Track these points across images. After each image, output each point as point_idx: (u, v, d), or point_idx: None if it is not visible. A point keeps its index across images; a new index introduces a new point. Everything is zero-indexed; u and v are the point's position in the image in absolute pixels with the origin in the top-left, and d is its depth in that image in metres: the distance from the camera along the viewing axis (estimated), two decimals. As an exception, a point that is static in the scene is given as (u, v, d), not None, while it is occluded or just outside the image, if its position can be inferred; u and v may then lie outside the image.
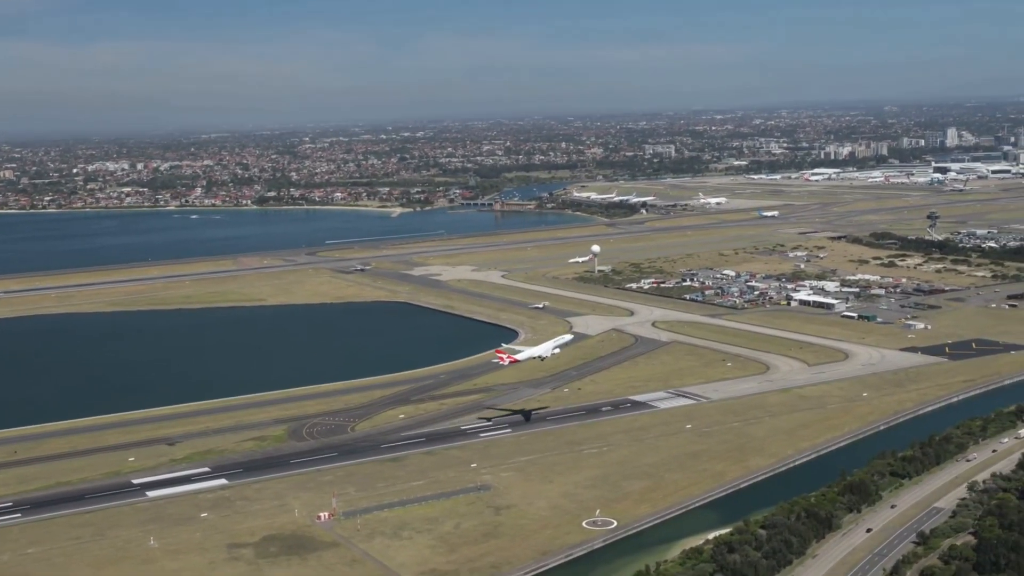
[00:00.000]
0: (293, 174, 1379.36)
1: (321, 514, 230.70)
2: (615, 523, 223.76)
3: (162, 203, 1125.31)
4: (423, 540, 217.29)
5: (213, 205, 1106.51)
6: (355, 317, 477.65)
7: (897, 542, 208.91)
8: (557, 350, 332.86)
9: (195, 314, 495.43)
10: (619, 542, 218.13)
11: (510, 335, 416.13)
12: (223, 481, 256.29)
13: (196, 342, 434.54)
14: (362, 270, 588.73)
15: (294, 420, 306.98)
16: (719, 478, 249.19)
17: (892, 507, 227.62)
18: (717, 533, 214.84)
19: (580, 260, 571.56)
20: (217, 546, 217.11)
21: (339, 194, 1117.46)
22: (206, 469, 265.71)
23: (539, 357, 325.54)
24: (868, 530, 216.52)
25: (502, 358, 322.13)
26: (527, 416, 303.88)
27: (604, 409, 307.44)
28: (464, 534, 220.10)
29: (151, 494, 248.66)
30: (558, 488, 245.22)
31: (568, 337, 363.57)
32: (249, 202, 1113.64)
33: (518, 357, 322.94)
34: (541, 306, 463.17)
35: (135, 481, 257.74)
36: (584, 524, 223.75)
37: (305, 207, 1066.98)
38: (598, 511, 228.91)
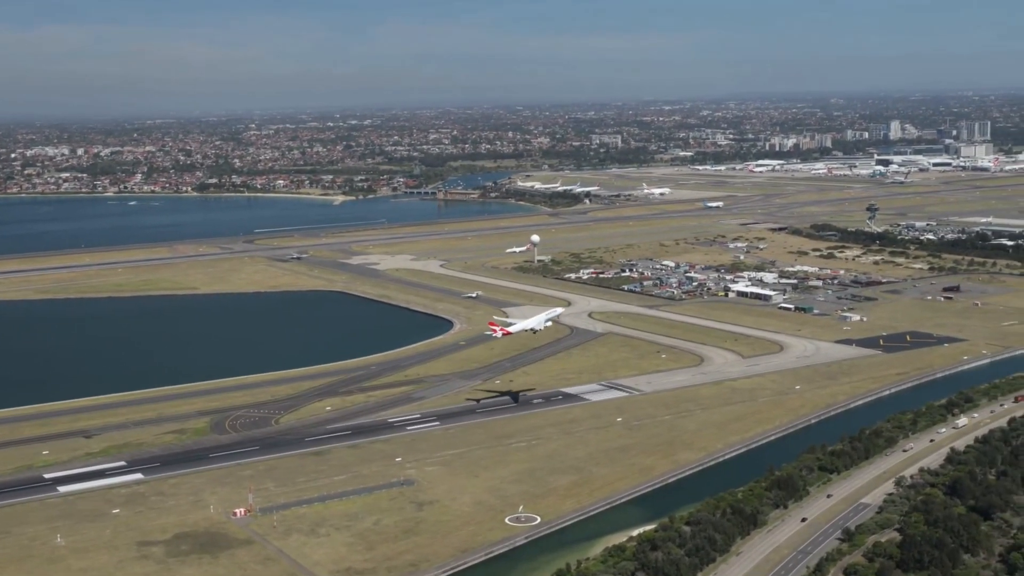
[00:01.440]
0: (236, 161, 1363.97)
1: (237, 510, 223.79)
2: (539, 519, 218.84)
3: (100, 189, 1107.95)
4: (340, 537, 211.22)
5: (152, 192, 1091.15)
6: (289, 306, 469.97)
7: (822, 539, 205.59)
8: (549, 323, 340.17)
9: (125, 302, 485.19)
10: (542, 539, 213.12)
11: (445, 325, 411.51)
12: (139, 476, 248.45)
13: (123, 331, 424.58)
14: (298, 258, 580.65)
15: (218, 412, 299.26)
16: (647, 473, 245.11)
17: (819, 502, 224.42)
18: (642, 530, 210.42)
19: (518, 250, 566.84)
20: (127, 544, 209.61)
21: (281, 181, 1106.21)
22: (122, 463, 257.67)
23: (531, 330, 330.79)
24: (802, 520, 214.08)
25: (495, 330, 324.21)
26: (515, 397, 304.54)
27: (535, 401, 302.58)
28: (383, 531, 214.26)
29: (62, 489, 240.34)
30: (483, 483, 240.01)
31: (560, 310, 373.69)
32: (189, 189, 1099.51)
33: (511, 329, 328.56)
34: (475, 295, 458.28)
35: (47, 476, 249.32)
36: (507, 520, 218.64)
37: (246, 194, 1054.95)
38: (521, 507, 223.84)
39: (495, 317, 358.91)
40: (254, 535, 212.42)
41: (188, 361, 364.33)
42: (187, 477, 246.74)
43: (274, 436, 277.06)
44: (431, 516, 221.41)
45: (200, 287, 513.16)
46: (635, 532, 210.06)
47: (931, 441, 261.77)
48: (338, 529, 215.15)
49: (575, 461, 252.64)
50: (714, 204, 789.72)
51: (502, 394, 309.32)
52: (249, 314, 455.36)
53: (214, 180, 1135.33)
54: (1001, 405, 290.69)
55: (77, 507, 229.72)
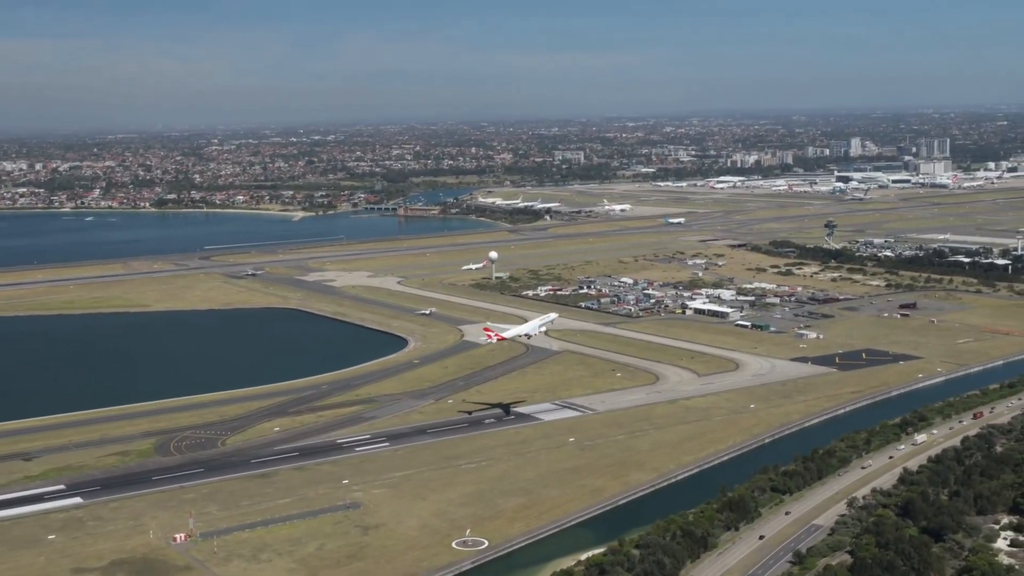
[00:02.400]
0: (197, 176, 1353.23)
1: (177, 535, 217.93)
2: (486, 543, 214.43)
3: (57, 204, 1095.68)
4: (282, 563, 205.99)
5: (110, 207, 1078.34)
6: (242, 324, 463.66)
7: (773, 562, 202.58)
8: (543, 328, 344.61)
9: (75, 320, 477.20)
10: (489, 563, 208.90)
11: (400, 343, 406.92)
12: (78, 500, 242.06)
13: (71, 350, 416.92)
14: (253, 275, 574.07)
15: (163, 433, 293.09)
16: (598, 494, 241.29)
17: (771, 524, 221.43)
18: (591, 553, 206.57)
19: (474, 267, 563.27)
20: (60, 571, 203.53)
21: (241, 197, 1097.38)
22: (61, 487, 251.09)
23: (526, 335, 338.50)
24: (760, 537, 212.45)
25: (490, 336, 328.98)
26: (506, 410, 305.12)
27: (487, 422, 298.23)
28: (327, 556, 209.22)
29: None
30: (431, 506, 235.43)
31: (554, 316, 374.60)
32: (148, 204, 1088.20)
33: (505, 335, 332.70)
34: (428, 312, 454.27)
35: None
36: (454, 544, 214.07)
37: (205, 210, 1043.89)
38: (468, 531, 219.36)
39: (489, 323, 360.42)
40: (194, 561, 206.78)
41: (136, 380, 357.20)
42: (128, 501, 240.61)
43: (220, 458, 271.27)
44: (376, 540, 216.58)
45: (152, 304, 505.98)
46: (584, 556, 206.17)
47: (890, 458, 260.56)
48: (280, 554, 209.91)
49: (525, 483, 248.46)
50: (676, 220, 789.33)
51: (493, 406, 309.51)
52: (201, 332, 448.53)
53: (173, 196, 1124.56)
54: (960, 422, 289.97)
55: (12, 533, 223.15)
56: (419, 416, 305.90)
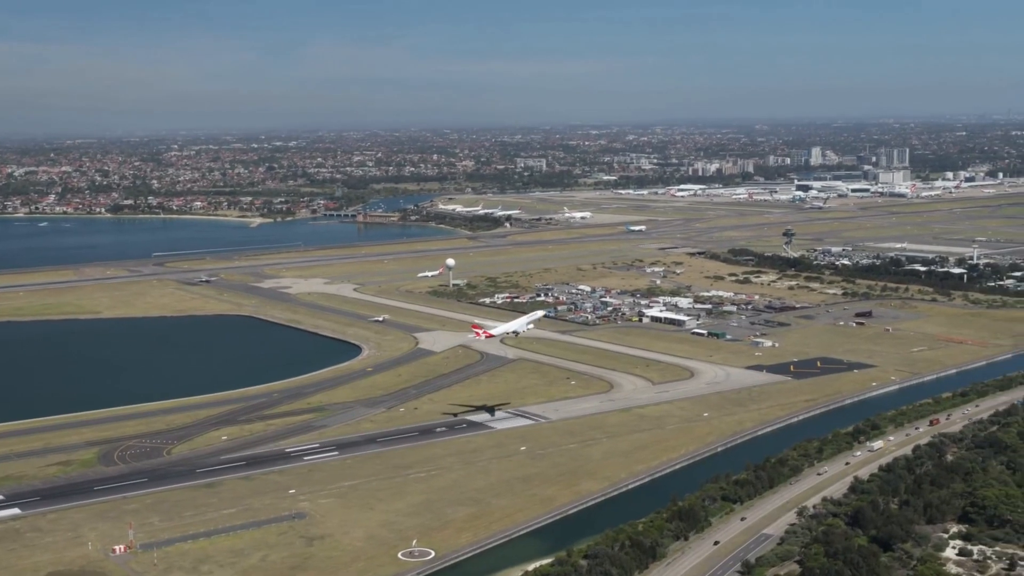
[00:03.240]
0: (155, 182, 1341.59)
1: (117, 547, 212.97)
2: (432, 554, 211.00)
3: (11, 210, 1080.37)
4: (223, 575, 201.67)
5: (65, 212, 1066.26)
6: (194, 331, 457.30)
7: (721, 572, 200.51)
8: (531, 326, 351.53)
9: (23, 327, 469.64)
10: (435, 574, 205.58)
11: (354, 351, 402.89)
12: (16, 511, 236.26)
13: (18, 357, 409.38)
14: (207, 281, 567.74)
15: (108, 442, 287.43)
16: (548, 504, 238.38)
17: (720, 533, 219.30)
18: (538, 564, 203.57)
19: (430, 274, 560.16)
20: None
21: (198, 203, 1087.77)
22: (0, 497, 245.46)
23: (513, 332, 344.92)
24: (715, 543, 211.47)
25: (478, 333, 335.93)
26: (491, 411, 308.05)
27: (438, 430, 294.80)
28: (269, 568, 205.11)
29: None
30: (378, 516, 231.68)
31: (541, 313, 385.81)
32: (103, 210, 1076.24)
33: (493, 332, 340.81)
34: (381, 319, 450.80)
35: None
36: (400, 556, 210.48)
37: (162, 216, 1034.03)
38: (415, 541, 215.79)
39: (476, 320, 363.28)
40: (132, 573, 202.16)
41: (83, 388, 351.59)
42: (68, 512, 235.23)
43: (164, 467, 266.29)
44: (321, 551, 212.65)
45: (104, 311, 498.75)
46: (532, 566, 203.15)
47: (835, 468, 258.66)
48: (222, 566, 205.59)
49: (475, 492, 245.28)
50: (637, 228, 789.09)
51: (478, 408, 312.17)
52: (152, 339, 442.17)
53: (129, 201, 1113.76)
54: (916, 428, 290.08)
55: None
56: (370, 425, 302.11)
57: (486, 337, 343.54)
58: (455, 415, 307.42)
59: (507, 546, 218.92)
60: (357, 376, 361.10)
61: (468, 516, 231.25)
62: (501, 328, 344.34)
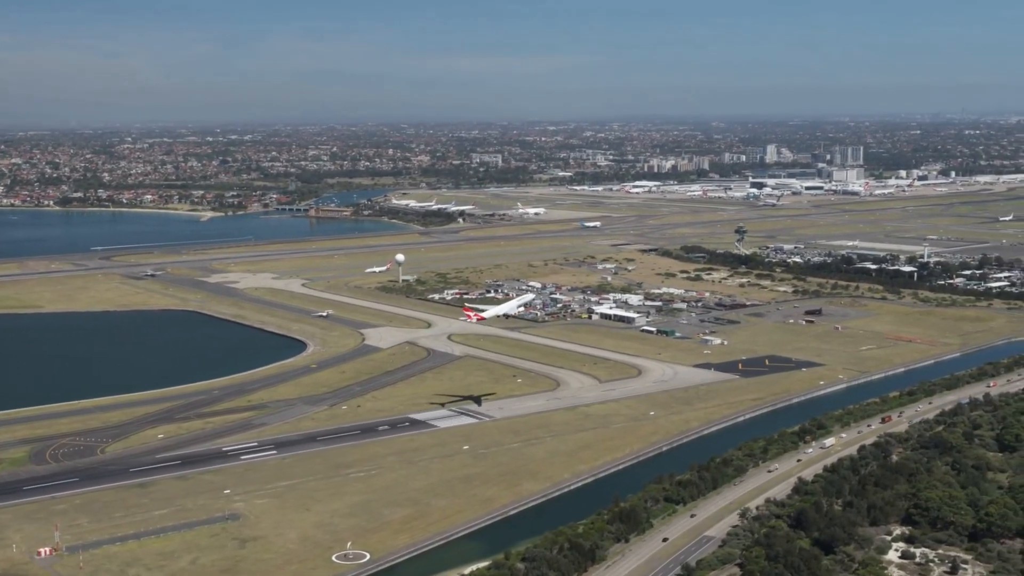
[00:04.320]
0: (106, 175, 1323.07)
1: (42, 549, 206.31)
2: (368, 556, 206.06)
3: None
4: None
5: (12, 205, 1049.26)
6: (137, 326, 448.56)
7: (662, 575, 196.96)
8: (521, 308, 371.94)
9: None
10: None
11: (299, 347, 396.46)
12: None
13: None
14: (152, 275, 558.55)
15: (41, 440, 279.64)
16: (488, 505, 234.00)
17: (662, 535, 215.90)
18: (475, 567, 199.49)
19: (378, 269, 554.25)
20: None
21: (149, 196, 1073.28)
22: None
23: (504, 315, 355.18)
24: (664, 540, 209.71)
25: (469, 316, 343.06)
26: (478, 401, 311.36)
27: (380, 428, 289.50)
28: (199, 571, 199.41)
29: None
30: (314, 517, 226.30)
31: (531, 296, 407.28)
32: (52, 203, 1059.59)
33: (484, 315, 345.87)
34: (325, 314, 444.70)
35: None
36: (334, 558, 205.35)
37: (111, 209, 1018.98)
38: (349, 543, 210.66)
39: (467, 303, 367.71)
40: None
41: (17, 385, 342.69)
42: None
43: (97, 467, 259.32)
44: (253, 554, 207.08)
45: (45, 305, 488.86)
46: (468, 570, 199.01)
47: (779, 468, 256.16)
48: (150, 569, 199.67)
49: (414, 493, 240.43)
50: (592, 224, 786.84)
51: (464, 397, 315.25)
52: (94, 334, 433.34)
53: (79, 194, 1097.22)
54: (868, 426, 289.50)
55: None
56: (311, 423, 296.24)
57: (478, 320, 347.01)
58: (443, 404, 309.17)
59: (444, 548, 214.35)
60: (301, 373, 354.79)
61: (406, 517, 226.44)
62: (493, 310, 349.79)
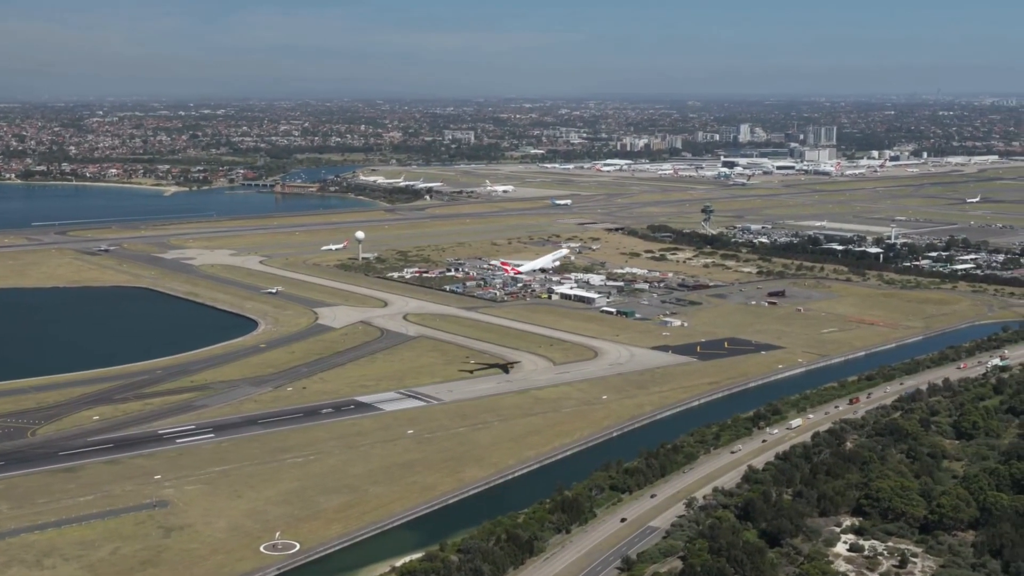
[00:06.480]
0: (72, 148, 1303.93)
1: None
2: (297, 546, 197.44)
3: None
4: (67, 569, 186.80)
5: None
6: (86, 303, 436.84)
7: (601, 568, 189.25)
8: (556, 263, 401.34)
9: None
10: (297, 569, 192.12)
11: (250, 325, 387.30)
12: None
13: None
14: (106, 251, 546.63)
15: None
16: (428, 492, 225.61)
17: (605, 526, 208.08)
18: (409, 558, 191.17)
19: (334, 247, 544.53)
20: None
21: (114, 170, 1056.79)
22: None
23: (540, 269, 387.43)
24: (621, 520, 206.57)
25: (507, 269, 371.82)
26: (506, 369, 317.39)
27: (324, 411, 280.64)
28: (119, 562, 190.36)
29: None
30: (245, 504, 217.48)
31: (564, 251, 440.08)
32: (14, 176, 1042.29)
33: (521, 270, 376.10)
34: (275, 291, 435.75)
35: None
36: (262, 548, 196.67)
37: (75, 183, 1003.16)
38: (278, 533, 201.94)
39: (503, 259, 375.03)
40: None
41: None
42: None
43: (25, 450, 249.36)
44: (177, 544, 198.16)
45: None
46: (401, 561, 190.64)
47: (731, 456, 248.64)
48: (67, 560, 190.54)
49: (352, 479, 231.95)
50: (562, 202, 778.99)
51: (491, 365, 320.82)
52: (40, 311, 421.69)
53: (42, 167, 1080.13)
54: (836, 407, 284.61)
55: None
56: (253, 405, 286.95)
57: (514, 273, 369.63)
58: (471, 372, 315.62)
59: (379, 539, 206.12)
60: (249, 352, 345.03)
61: (341, 505, 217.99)
62: (528, 266, 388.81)
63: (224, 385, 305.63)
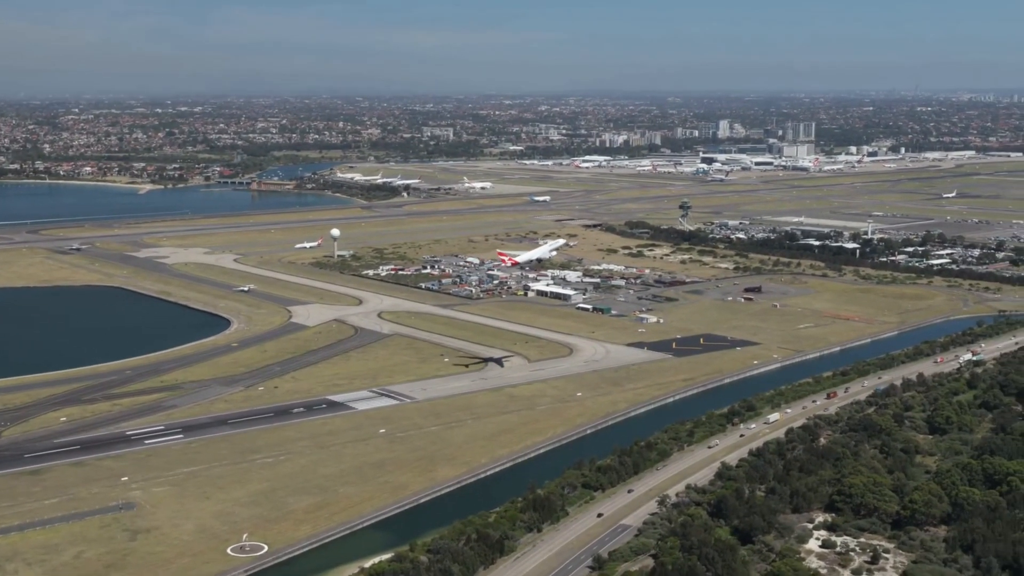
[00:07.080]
0: (47, 146, 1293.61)
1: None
2: (265, 548, 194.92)
3: None
4: (30, 574, 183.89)
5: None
6: (57, 303, 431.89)
7: (572, 567, 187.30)
8: (554, 252, 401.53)
9: None
10: (265, 571, 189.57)
11: (223, 324, 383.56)
12: None
13: None
14: (78, 250, 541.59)
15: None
16: (399, 492, 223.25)
17: (576, 524, 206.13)
18: (378, 559, 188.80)
19: (308, 245, 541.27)
20: None
21: (88, 168, 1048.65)
22: None
23: (538, 259, 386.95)
24: (598, 516, 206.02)
25: (504, 259, 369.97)
26: (500, 363, 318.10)
27: (296, 411, 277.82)
28: (83, 566, 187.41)
29: None
30: (214, 506, 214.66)
31: (562, 241, 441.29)
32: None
33: (518, 259, 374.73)
34: (247, 288, 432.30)
35: None
36: (229, 551, 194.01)
37: (48, 181, 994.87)
38: (246, 535, 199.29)
39: (500, 249, 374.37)
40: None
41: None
42: None
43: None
44: (143, 547, 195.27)
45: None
46: (370, 562, 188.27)
47: (704, 452, 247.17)
48: (30, 564, 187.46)
49: (322, 480, 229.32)
50: (541, 199, 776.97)
51: (484, 360, 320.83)
52: (8, 311, 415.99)
53: (15, 166, 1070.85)
54: (814, 401, 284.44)
55: None
56: (224, 405, 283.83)
57: (511, 264, 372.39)
58: (467, 366, 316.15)
59: (348, 539, 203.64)
60: (221, 352, 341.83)
61: (311, 506, 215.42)
62: (525, 256, 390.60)
63: (195, 385, 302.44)
